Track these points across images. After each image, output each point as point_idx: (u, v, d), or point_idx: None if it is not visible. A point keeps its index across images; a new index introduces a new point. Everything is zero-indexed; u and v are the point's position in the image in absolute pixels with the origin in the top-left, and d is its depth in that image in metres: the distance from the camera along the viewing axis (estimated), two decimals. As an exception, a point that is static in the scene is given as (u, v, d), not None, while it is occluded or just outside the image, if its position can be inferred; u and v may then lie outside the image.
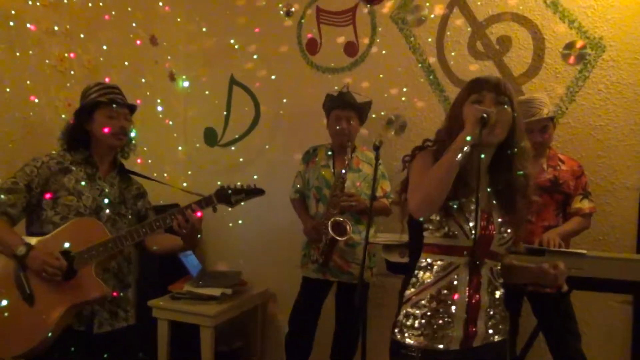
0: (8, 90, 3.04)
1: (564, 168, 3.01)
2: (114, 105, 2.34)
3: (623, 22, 3.26)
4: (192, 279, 3.73)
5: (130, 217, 2.44)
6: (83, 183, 2.29)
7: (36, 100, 3.20)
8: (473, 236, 1.67)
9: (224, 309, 3.53)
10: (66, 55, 3.38)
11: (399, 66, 3.78)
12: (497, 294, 1.79)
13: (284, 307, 3.88)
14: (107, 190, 2.36)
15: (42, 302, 2.11)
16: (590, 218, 3.01)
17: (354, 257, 3.24)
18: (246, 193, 2.31)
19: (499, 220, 1.76)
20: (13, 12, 3.06)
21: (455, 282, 1.72)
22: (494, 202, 1.78)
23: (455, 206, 1.70)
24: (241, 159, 4.30)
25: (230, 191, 2.27)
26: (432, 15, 3.71)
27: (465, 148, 1.61)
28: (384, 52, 3.84)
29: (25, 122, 3.15)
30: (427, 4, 3.71)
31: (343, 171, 3.20)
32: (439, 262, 1.75)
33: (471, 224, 1.69)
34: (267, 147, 4.24)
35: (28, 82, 3.16)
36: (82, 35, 3.49)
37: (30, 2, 3.15)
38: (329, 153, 3.46)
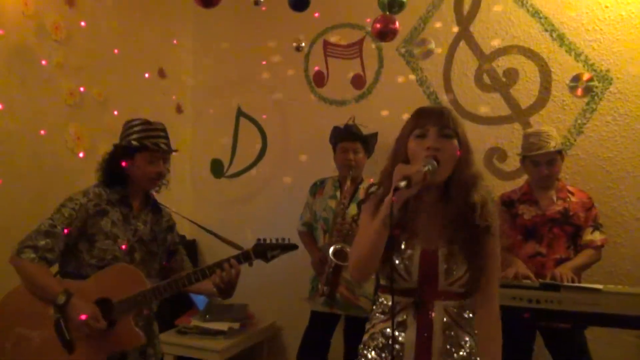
0: (19, 124, 3.06)
1: (574, 200, 3.00)
2: (157, 151, 2.32)
3: (629, 55, 3.29)
4: (199, 312, 3.69)
5: (161, 254, 2.45)
6: (119, 225, 2.29)
7: (45, 134, 3.21)
8: (417, 277, 1.62)
9: (231, 343, 3.49)
10: (76, 89, 3.41)
11: (406, 98, 3.80)
12: (461, 338, 1.64)
13: (292, 341, 3.83)
14: (140, 228, 2.36)
15: (81, 349, 2.13)
16: (601, 250, 2.98)
17: (362, 290, 3.20)
18: (281, 248, 2.30)
19: (447, 256, 1.63)
20: (27, 48, 3.10)
21: (403, 323, 1.64)
22: (443, 237, 1.66)
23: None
24: (247, 191, 4.30)
25: (267, 246, 2.27)
26: (439, 49, 3.74)
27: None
28: (390, 84, 3.87)
29: (34, 155, 3.16)
30: (434, 38, 3.75)
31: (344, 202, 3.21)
32: (387, 302, 1.70)
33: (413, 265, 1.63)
34: (273, 178, 4.24)
35: (38, 115, 3.18)
36: (92, 69, 3.52)
37: (43, 38, 3.20)
38: (337, 184, 3.45)
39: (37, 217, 2.25)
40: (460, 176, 1.65)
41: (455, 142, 1.63)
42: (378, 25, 2.48)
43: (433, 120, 1.63)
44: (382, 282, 1.73)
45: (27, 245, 2.12)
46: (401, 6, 2.67)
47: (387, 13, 2.53)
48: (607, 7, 3.33)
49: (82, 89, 3.44)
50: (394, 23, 2.48)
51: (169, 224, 2.52)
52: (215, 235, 2.47)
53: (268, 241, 2.28)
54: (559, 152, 2.99)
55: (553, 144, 2.94)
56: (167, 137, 2.39)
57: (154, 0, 4.08)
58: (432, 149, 1.59)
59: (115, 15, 3.70)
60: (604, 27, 3.33)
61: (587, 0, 3.37)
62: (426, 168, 1.53)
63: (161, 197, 2.53)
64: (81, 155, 3.43)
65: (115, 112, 3.67)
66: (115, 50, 3.70)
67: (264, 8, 3.24)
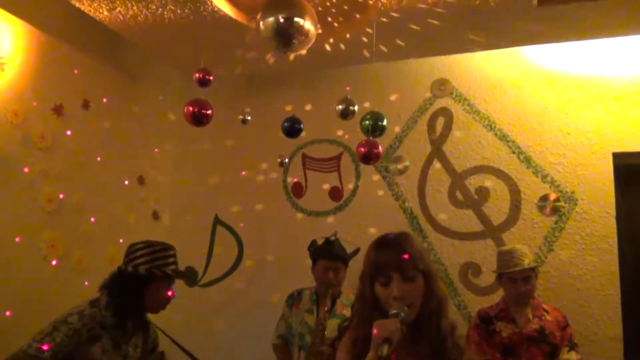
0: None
1: (549, 318, 3.05)
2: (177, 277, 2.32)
3: (591, 179, 3.51)
4: None
5: None
6: (109, 351, 2.20)
7: (19, 241, 3.15)
8: None
9: None
10: (56, 195, 3.40)
11: (382, 212, 3.91)
12: None
13: None
14: (130, 354, 2.28)
15: None
16: (578, 370, 2.99)
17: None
18: None
19: None
20: (11, 156, 3.12)
21: None
22: None
23: None
24: (221, 300, 4.22)
25: None
26: (413, 166, 3.92)
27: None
28: (367, 198, 3.99)
29: (6, 263, 3.07)
30: (409, 155, 3.94)
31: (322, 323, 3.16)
32: None
33: None
34: (248, 288, 4.18)
35: (15, 222, 3.13)
36: (73, 176, 3.54)
37: (28, 146, 3.23)
38: (314, 297, 3.42)
39: (6, 326, 2.14)
40: (428, 307, 1.64)
41: (420, 279, 1.63)
42: (362, 150, 2.62)
43: (394, 266, 1.61)
44: None
45: None
46: (382, 130, 2.83)
47: (370, 138, 2.67)
48: (568, 134, 3.59)
49: (61, 195, 3.43)
50: (377, 147, 2.62)
51: (154, 344, 2.45)
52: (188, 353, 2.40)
53: None
54: (533, 270, 3.08)
55: (527, 262, 3.04)
56: (176, 260, 2.38)
57: (139, 109, 4.20)
58: (400, 299, 1.58)
59: (101, 124, 3.79)
60: (567, 152, 3.58)
61: (551, 126, 3.64)
62: (400, 318, 1.53)
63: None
64: (54, 262, 3.35)
65: (93, 219, 3.65)
66: (98, 158, 3.74)
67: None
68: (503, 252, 3.13)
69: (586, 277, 3.43)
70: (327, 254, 3.29)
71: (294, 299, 3.49)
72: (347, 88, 3.37)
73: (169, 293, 2.31)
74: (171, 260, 2.35)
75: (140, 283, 2.25)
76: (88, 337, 2.15)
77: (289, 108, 4.06)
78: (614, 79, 3.56)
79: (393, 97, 4.01)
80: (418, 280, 1.62)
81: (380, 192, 3.96)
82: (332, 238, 3.36)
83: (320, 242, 3.41)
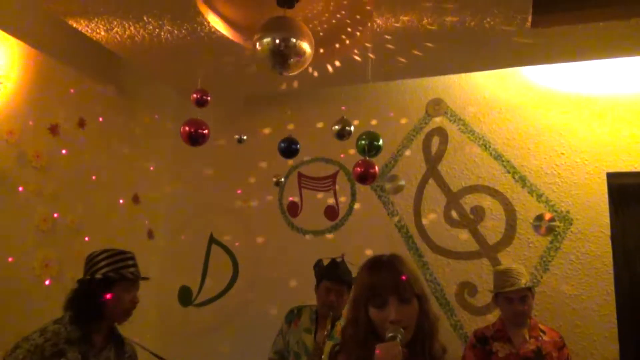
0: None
1: (546, 339, 3.03)
2: (135, 280, 2.31)
3: (586, 198, 3.53)
4: None
5: None
6: None
7: (12, 261, 3.12)
8: None
9: None
10: (50, 215, 3.38)
11: (378, 231, 3.91)
12: None
13: None
14: None
15: None
16: (575, 391, 2.98)
17: None
18: None
19: None
20: (6, 174, 3.11)
21: None
22: None
23: None
24: (216, 320, 4.18)
25: None
26: (409, 185, 3.93)
27: None
28: (363, 217, 3.99)
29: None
30: (404, 174, 3.95)
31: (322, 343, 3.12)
32: None
33: None
34: (244, 308, 4.16)
35: (8, 242, 3.11)
36: (68, 196, 3.52)
37: (23, 165, 3.22)
38: (314, 317, 3.39)
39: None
40: (421, 330, 1.63)
41: (415, 301, 1.62)
42: (359, 169, 2.62)
43: (390, 289, 1.60)
44: None
45: None
46: (378, 150, 2.84)
47: (367, 157, 2.68)
48: (562, 154, 3.62)
49: (56, 215, 3.41)
50: (373, 167, 2.62)
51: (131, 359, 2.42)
52: None
53: None
54: (530, 289, 3.07)
55: (524, 281, 3.03)
56: (136, 264, 2.39)
57: (135, 128, 4.20)
58: (397, 322, 1.57)
59: (96, 143, 3.79)
60: (561, 172, 3.60)
61: (545, 146, 3.67)
62: (399, 340, 1.52)
63: (122, 327, 2.45)
64: (47, 282, 3.32)
65: (87, 238, 3.63)
66: (93, 177, 3.73)
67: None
68: (499, 271, 3.12)
69: (582, 297, 3.43)
70: (332, 276, 3.22)
71: (293, 316, 3.46)
72: (343, 107, 3.39)
73: (134, 298, 2.30)
74: (130, 263, 2.35)
75: (99, 289, 2.25)
76: (52, 352, 2.11)
77: (290, 127, 4.09)
78: (607, 99, 3.60)
79: (388, 117, 4.03)
80: (413, 302, 1.62)
81: (376, 211, 3.96)
82: (339, 259, 3.28)
83: (326, 262, 3.34)
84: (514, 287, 3.00)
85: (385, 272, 1.66)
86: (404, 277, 1.62)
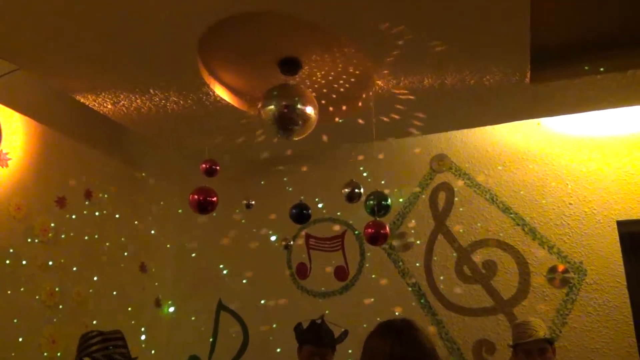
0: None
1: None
2: None
3: (598, 247, 3.48)
4: None
5: None
6: None
7: (21, 340, 3.06)
8: None
9: None
10: (57, 289, 3.33)
11: (389, 290, 3.84)
12: None
13: None
14: None
15: None
16: None
17: None
18: None
19: None
20: (11, 250, 3.08)
21: None
22: None
23: None
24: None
25: None
26: (418, 242, 3.89)
27: None
28: (373, 276, 3.93)
29: (5, 361, 2.97)
30: (412, 231, 3.93)
31: None
32: None
33: None
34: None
35: (15, 321, 3.05)
36: (74, 268, 3.49)
37: (29, 240, 3.20)
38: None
39: None
40: None
41: None
42: (370, 231, 2.60)
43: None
44: None
45: None
46: (387, 209, 2.84)
47: (376, 218, 2.67)
48: (570, 204, 3.60)
49: (61, 288, 3.37)
50: (384, 228, 2.60)
51: None
52: None
53: None
54: (550, 342, 2.99)
55: (542, 333, 2.96)
56: (125, 346, 2.32)
57: (141, 197, 4.21)
58: None
59: (103, 213, 3.78)
60: (571, 222, 3.57)
61: (552, 197, 3.66)
62: None
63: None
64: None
65: (94, 322, 3.56)
66: (100, 248, 3.71)
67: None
68: (518, 324, 3.06)
69: (604, 351, 3.33)
70: (313, 340, 3.05)
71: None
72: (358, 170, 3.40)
73: None
74: (121, 344, 2.29)
75: None
76: None
77: (296, 189, 4.09)
78: (611, 143, 3.60)
79: (393, 174, 4.04)
80: None
81: (387, 270, 3.91)
82: (318, 321, 3.12)
83: (305, 324, 3.17)
84: (532, 338, 2.92)
85: (403, 340, 1.63)
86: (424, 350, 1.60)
